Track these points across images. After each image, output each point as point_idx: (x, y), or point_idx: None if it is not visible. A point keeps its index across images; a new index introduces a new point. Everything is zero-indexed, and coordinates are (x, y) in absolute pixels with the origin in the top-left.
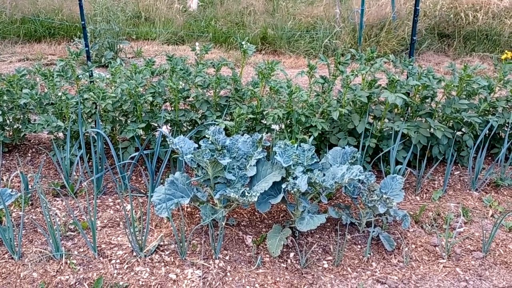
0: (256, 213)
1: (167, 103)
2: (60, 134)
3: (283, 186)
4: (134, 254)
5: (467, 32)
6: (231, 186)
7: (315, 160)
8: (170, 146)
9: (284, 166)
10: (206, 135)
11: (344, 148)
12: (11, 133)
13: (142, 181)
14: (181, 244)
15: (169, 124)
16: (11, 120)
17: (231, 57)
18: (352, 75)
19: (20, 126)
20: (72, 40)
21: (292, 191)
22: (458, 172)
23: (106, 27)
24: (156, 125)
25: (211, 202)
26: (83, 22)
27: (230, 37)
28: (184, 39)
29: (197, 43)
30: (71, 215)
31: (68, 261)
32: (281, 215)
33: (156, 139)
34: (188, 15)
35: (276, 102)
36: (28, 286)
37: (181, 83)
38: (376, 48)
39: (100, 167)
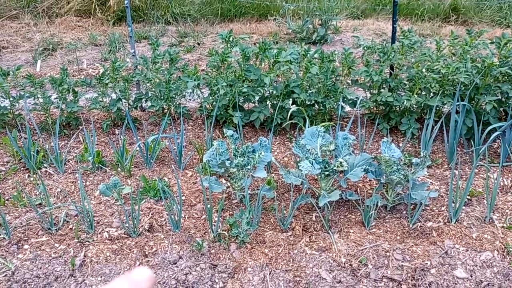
0: None
1: None
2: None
3: None
4: None
5: None
6: None
7: None
8: None
9: None
10: None
11: None
12: None
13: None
14: None
15: None
16: None
17: (424, 29)
18: None
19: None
20: (266, 18)
21: None
22: None
23: (317, 5)
24: None
25: None
26: (396, 1)
27: (414, 9)
28: (365, 13)
29: None
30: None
31: None
32: None
33: None
34: None
35: None
36: None
37: None
38: None
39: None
